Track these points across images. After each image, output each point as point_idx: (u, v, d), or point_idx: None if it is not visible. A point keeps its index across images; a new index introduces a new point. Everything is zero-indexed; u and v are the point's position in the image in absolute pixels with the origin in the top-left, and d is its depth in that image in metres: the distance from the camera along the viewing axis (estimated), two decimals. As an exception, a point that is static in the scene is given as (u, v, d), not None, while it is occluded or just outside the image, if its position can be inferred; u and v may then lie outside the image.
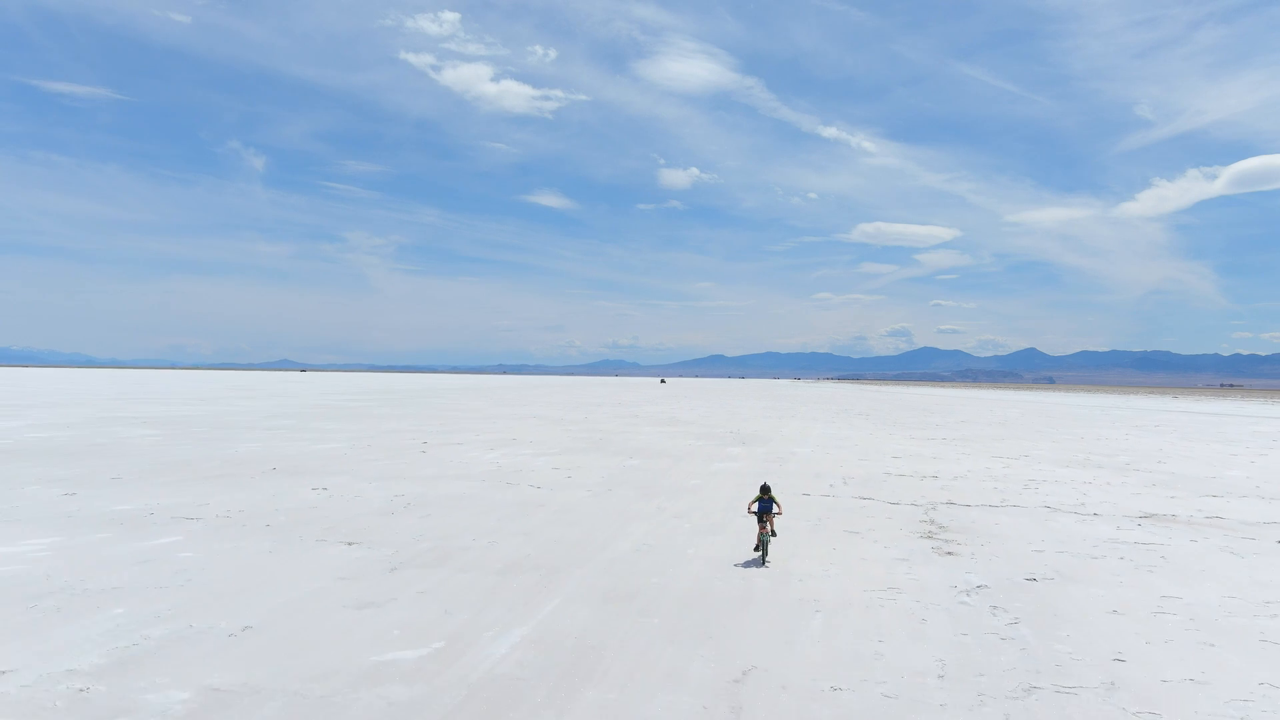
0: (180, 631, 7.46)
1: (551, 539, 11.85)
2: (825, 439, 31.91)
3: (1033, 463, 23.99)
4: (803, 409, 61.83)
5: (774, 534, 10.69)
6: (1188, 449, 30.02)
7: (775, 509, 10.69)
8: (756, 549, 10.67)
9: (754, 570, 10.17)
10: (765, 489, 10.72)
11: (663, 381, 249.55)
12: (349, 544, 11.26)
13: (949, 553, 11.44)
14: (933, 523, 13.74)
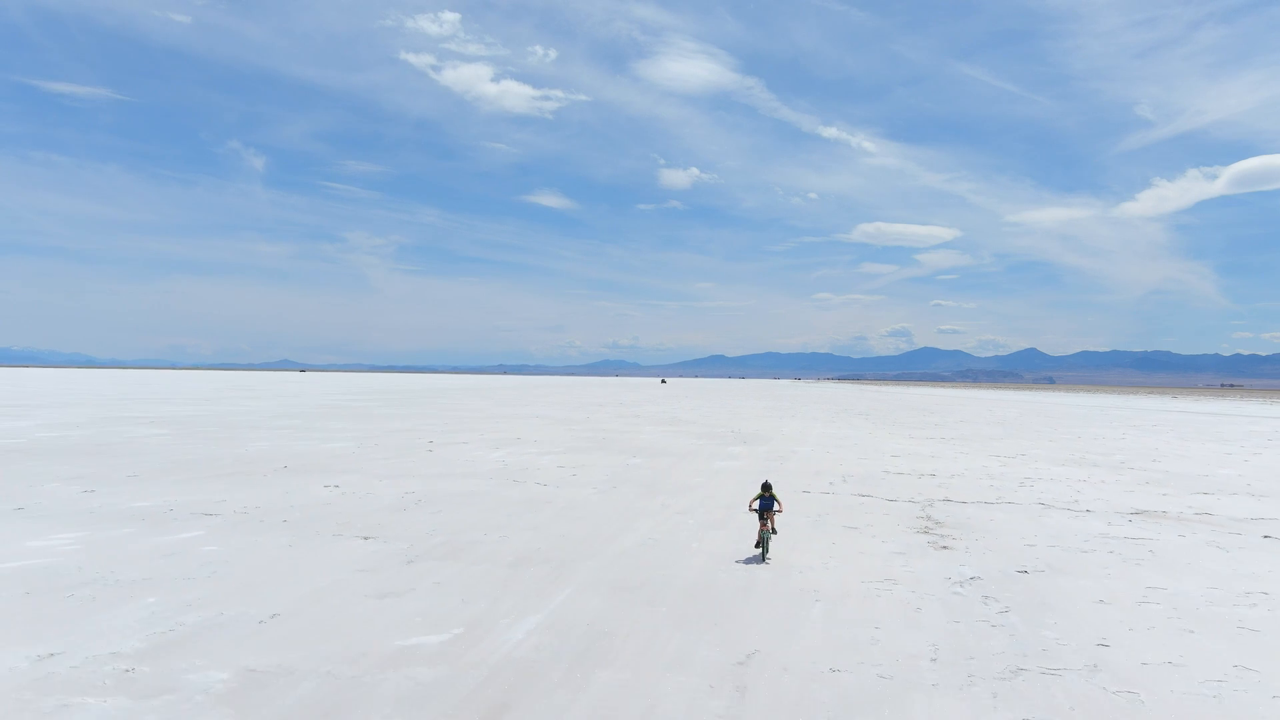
0: (212, 619, 7.86)
1: (560, 534, 12.26)
2: (825, 438, 32.31)
3: (1029, 461, 24.40)
4: (803, 409, 62.25)
5: (774, 532, 11.05)
6: (1183, 448, 30.43)
7: (776, 506, 11.06)
8: (757, 545, 11.05)
9: (756, 564, 10.58)
10: (766, 486, 11.09)
11: (663, 382, 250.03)
12: (365, 538, 11.66)
13: (944, 547, 11.85)
14: (929, 519, 14.15)
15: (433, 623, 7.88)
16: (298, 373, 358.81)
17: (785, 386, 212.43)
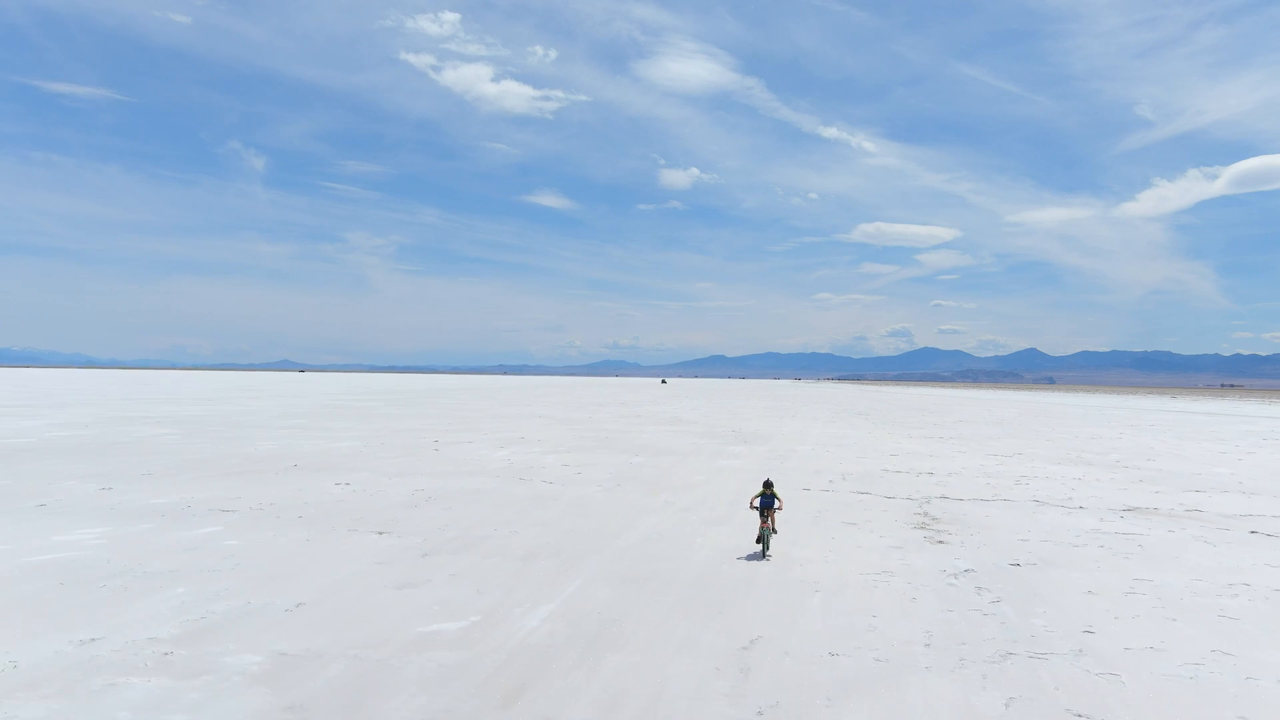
0: (241, 607, 8.26)
1: (568, 529, 12.66)
2: (825, 438, 32.71)
3: (1026, 460, 24.79)
4: (803, 409, 62.65)
5: (775, 531, 11.32)
6: (1178, 447, 30.82)
7: (777, 504, 11.40)
8: (758, 540, 11.42)
9: (758, 559, 10.97)
10: (768, 484, 11.46)
11: (663, 382, 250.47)
12: (379, 533, 12.06)
13: (940, 541, 12.24)
14: (926, 515, 14.54)
15: (451, 611, 8.28)
16: (297, 373, 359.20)
17: (785, 387, 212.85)
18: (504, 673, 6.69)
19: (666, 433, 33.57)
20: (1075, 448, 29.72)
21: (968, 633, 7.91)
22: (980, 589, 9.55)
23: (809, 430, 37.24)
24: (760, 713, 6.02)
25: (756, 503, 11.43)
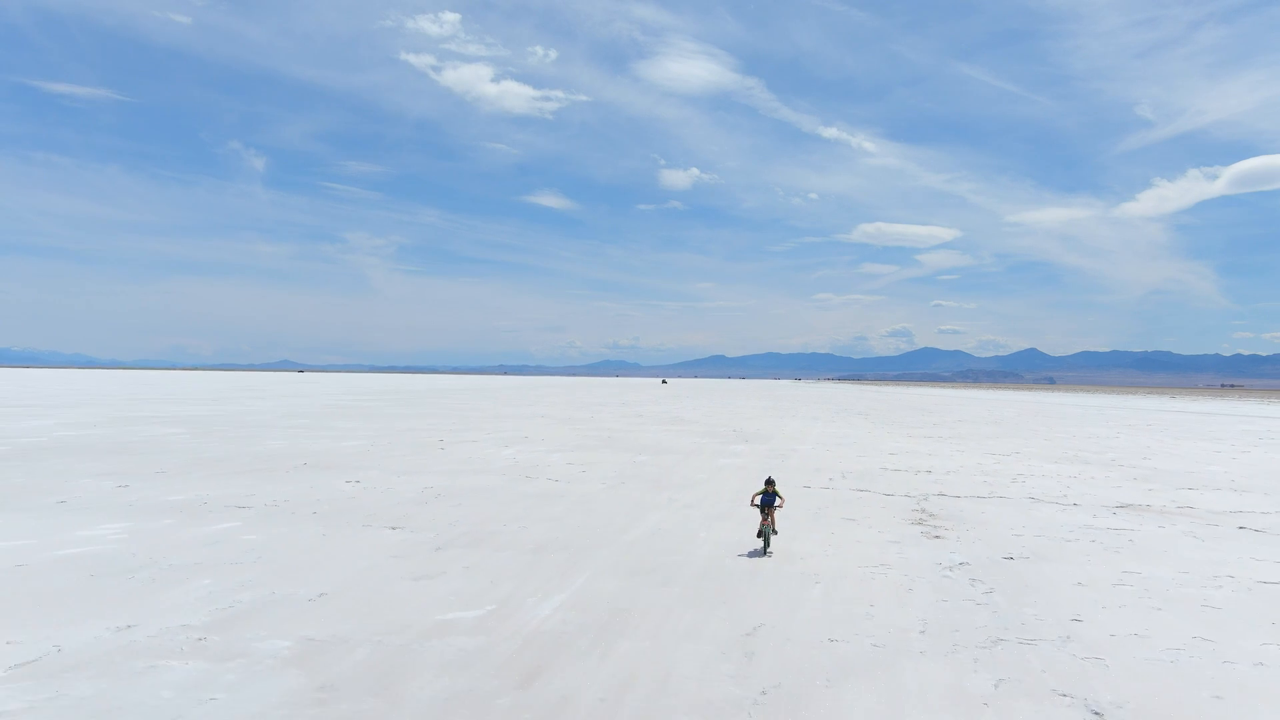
0: (266, 597, 8.64)
1: (575, 524, 13.04)
2: (825, 437, 33.09)
3: (1023, 459, 25.17)
4: (803, 409, 63.04)
5: (775, 531, 11.59)
6: (1174, 446, 31.20)
7: (778, 501, 11.74)
8: (759, 535, 11.75)
9: (759, 554, 11.35)
10: (770, 482, 11.81)
11: (664, 382, 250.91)
12: (392, 529, 12.44)
13: (936, 536, 12.62)
14: (924, 511, 14.92)
15: (466, 601, 8.66)
16: (297, 373, 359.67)
17: (786, 387, 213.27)
18: (521, 657, 7.07)
19: (668, 432, 33.96)
20: (1072, 447, 30.09)
21: (961, 620, 8.29)
22: (974, 580, 9.93)
23: (809, 430, 37.62)
24: (764, 692, 6.40)
25: (758, 500, 11.78)
